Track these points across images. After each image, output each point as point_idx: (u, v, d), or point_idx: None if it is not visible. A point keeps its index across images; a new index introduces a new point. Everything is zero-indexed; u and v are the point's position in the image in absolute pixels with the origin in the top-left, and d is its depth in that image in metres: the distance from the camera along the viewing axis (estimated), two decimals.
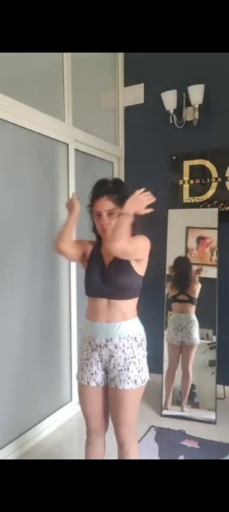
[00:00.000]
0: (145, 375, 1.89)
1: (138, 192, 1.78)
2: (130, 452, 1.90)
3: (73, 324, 3.24)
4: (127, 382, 1.83)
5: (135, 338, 1.86)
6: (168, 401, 3.34)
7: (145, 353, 1.93)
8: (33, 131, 2.79)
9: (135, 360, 1.85)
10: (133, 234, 1.89)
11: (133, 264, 1.85)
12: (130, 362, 1.84)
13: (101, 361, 1.89)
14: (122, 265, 1.85)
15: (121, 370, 1.83)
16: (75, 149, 3.26)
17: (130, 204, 1.76)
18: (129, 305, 1.88)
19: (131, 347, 1.85)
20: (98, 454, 2.01)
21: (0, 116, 2.49)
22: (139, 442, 2.80)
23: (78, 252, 2.03)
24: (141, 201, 1.77)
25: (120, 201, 1.84)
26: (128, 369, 1.83)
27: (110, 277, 1.85)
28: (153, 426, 3.08)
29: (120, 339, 1.84)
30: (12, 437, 2.69)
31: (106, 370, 1.90)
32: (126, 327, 1.85)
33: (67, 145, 3.16)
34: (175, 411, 3.30)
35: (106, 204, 1.84)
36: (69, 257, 2.10)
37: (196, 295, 3.37)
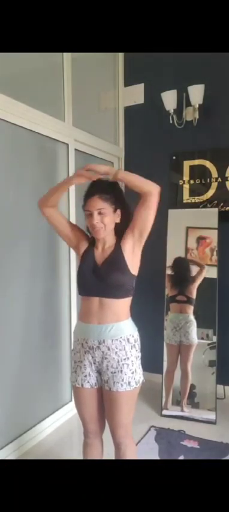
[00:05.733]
0: (139, 376, 1.88)
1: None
2: (127, 454, 1.90)
3: (73, 324, 3.23)
4: (121, 384, 1.82)
5: (128, 339, 1.85)
6: (168, 401, 3.34)
7: (139, 354, 1.92)
8: (33, 131, 2.79)
9: (128, 361, 1.84)
10: (122, 231, 1.91)
11: (128, 261, 1.85)
12: (123, 364, 1.83)
13: (94, 363, 1.88)
14: (116, 263, 1.85)
15: (115, 372, 1.83)
16: (75, 149, 3.26)
17: (106, 167, 1.87)
18: (122, 305, 1.87)
19: (124, 349, 1.84)
20: (96, 455, 2.01)
21: (0, 116, 2.49)
22: (139, 442, 2.82)
23: (67, 228, 2.02)
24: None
25: (112, 201, 1.85)
26: (121, 371, 1.82)
27: (103, 275, 1.84)
28: (153, 426, 3.08)
29: (112, 340, 1.83)
30: (12, 438, 2.69)
31: (99, 372, 1.89)
32: (119, 328, 1.84)
33: (67, 145, 3.16)
34: (175, 411, 3.30)
35: (97, 203, 1.83)
36: (53, 224, 2.02)
37: (194, 295, 3.38)
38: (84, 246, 1.98)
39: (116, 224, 1.91)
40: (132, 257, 1.87)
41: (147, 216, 1.82)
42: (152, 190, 1.77)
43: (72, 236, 2.01)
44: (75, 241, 2.01)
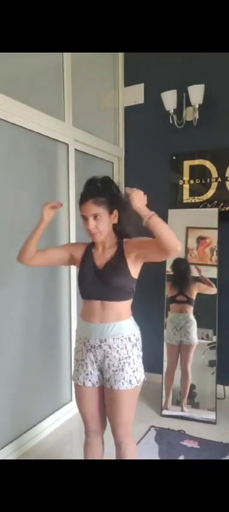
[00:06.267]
0: (140, 375, 1.89)
1: (134, 190, 1.76)
2: (128, 452, 1.90)
3: (73, 324, 3.24)
4: (122, 383, 1.82)
5: (129, 338, 1.85)
6: (168, 401, 3.34)
7: (141, 353, 1.92)
8: (33, 131, 2.79)
9: (129, 360, 1.84)
10: (124, 235, 1.89)
11: (130, 266, 1.84)
12: (124, 362, 1.83)
13: (96, 362, 1.88)
14: (117, 266, 1.84)
15: (116, 371, 1.83)
16: (75, 149, 3.26)
17: (142, 203, 1.73)
18: (123, 306, 1.87)
19: (125, 347, 1.84)
20: (96, 454, 2.02)
21: (0, 116, 2.50)
22: (139, 442, 2.82)
23: (57, 256, 2.02)
24: (141, 195, 1.76)
25: (108, 203, 1.82)
26: (123, 370, 1.83)
27: (105, 278, 1.84)
28: (153, 426, 3.08)
29: (114, 339, 1.83)
30: (12, 438, 2.69)
31: (101, 371, 1.90)
32: (120, 327, 1.84)
33: (67, 145, 3.16)
34: (175, 411, 3.30)
35: (91, 209, 1.80)
36: (44, 265, 2.16)
37: (194, 295, 3.38)
38: (80, 252, 1.97)
39: (115, 224, 1.89)
40: (134, 264, 1.86)
41: (157, 258, 1.80)
42: (176, 249, 1.68)
43: (64, 259, 2.02)
44: (67, 260, 2.02)
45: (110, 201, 1.84)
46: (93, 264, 1.90)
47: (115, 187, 1.92)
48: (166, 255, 1.74)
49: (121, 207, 1.88)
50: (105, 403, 1.93)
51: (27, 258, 1.95)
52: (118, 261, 1.85)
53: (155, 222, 1.68)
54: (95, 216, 1.81)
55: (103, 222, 1.82)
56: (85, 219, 1.85)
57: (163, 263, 3.49)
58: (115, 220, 1.88)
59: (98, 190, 1.83)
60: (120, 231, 1.91)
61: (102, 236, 1.85)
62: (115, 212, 1.87)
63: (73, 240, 3.12)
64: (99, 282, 1.85)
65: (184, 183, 3.74)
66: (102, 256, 1.89)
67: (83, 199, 1.84)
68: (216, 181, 3.60)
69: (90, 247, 1.96)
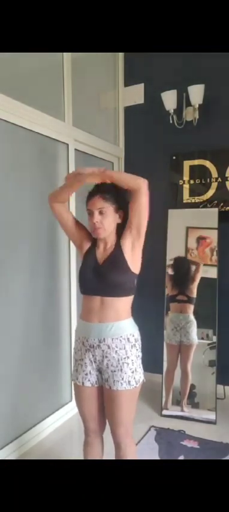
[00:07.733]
0: (139, 375, 1.89)
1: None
2: (127, 454, 1.90)
3: (73, 324, 3.24)
4: (121, 383, 1.82)
5: (128, 339, 1.86)
6: (168, 401, 3.34)
7: (140, 354, 1.92)
8: (33, 131, 2.79)
9: (128, 360, 1.84)
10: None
11: (128, 260, 1.85)
12: (123, 363, 1.83)
13: (95, 362, 1.89)
14: (117, 262, 1.86)
15: (115, 371, 1.83)
16: (75, 149, 3.26)
17: (88, 170, 1.90)
18: (123, 304, 1.88)
19: (124, 348, 1.84)
20: (96, 454, 2.02)
21: (0, 116, 2.50)
22: (139, 442, 2.82)
23: (74, 227, 2.03)
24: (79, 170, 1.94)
25: (114, 200, 1.86)
26: (121, 370, 1.83)
27: (104, 274, 1.85)
28: (153, 426, 3.08)
29: (112, 339, 1.84)
30: (12, 438, 2.69)
31: (100, 371, 1.90)
32: (119, 327, 1.85)
33: (67, 145, 3.16)
34: (175, 411, 3.30)
35: (97, 203, 1.85)
36: (61, 221, 2.06)
37: (194, 294, 3.38)
38: (86, 245, 2.00)
39: (118, 224, 1.91)
40: (132, 255, 1.87)
41: (140, 212, 1.83)
42: (140, 185, 1.79)
43: (77, 235, 2.03)
44: (79, 241, 2.03)
45: (116, 200, 1.87)
46: (95, 260, 1.91)
47: (122, 189, 1.94)
48: (137, 198, 1.81)
49: (126, 209, 1.91)
50: (104, 403, 1.93)
51: (59, 198, 2.01)
52: (117, 256, 1.86)
53: (111, 172, 1.84)
54: (101, 211, 1.85)
55: (108, 218, 1.86)
56: (90, 213, 1.88)
57: (164, 262, 3.49)
58: (120, 220, 1.91)
59: (105, 187, 1.87)
60: (121, 232, 1.92)
61: (106, 232, 1.88)
62: (121, 212, 1.90)
63: None
64: (98, 277, 1.86)
65: (184, 183, 3.74)
66: (103, 254, 1.92)
67: (90, 195, 1.89)
68: (216, 181, 3.60)
69: (94, 244, 1.98)
